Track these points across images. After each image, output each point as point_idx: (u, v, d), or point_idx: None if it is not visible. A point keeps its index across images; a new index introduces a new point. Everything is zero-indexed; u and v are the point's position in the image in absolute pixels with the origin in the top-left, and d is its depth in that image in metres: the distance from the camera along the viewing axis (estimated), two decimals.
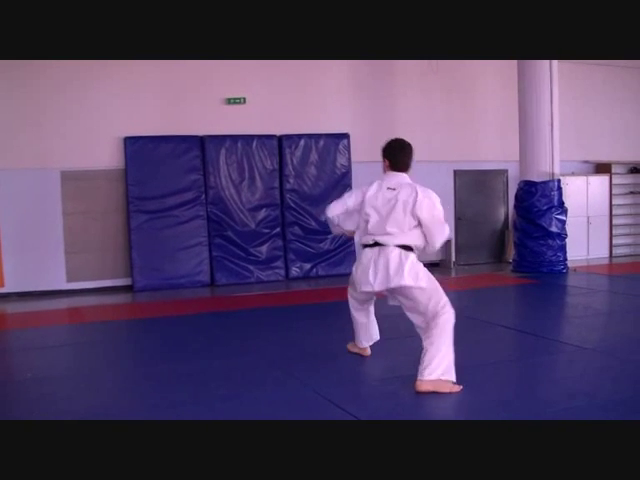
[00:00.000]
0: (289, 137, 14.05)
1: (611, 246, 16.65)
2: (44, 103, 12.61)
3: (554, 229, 13.16)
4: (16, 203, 12.48)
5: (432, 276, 6.06)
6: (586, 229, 16.04)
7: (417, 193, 6.01)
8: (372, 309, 6.69)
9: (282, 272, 13.82)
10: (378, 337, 6.79)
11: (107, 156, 13.11)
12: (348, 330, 7.98)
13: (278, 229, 13.96)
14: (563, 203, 13.35)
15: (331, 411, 5.05)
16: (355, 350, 6.87)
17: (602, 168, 16.86)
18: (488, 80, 15.77)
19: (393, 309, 9.14)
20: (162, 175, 13.19)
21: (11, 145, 12.41)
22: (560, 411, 4.87)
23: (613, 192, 16.63)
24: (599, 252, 16.21)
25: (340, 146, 14.39)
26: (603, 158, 16.98)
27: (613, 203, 16.65)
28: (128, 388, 6.14)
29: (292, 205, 14.06)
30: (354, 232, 6.26)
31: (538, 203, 13.16)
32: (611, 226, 16.61)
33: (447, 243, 15.22)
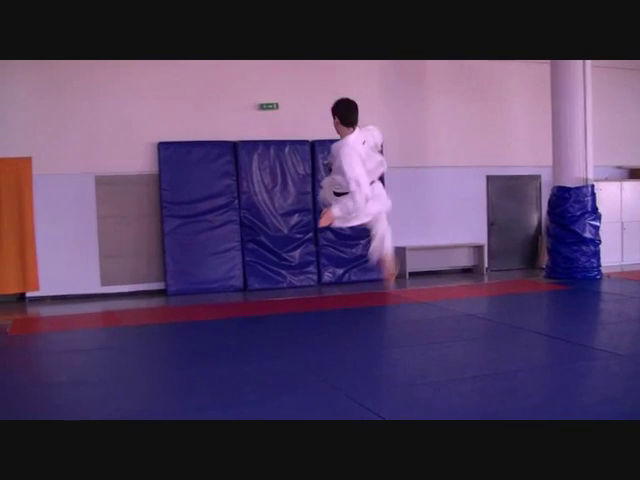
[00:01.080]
0: (321, 142, 14.06)
1: None
2: (79, 109, 12.74)
3: (588, 235, 13.06)
4: (51, 207, 12.63)
5: None
6: (620, 235, 15.89)
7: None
8: None
9: (314, 277, 13.84)
10: None
11: (141, 161, 13.21)
12: (381, 335, 8.01)
13: (310, 234, 13.98)
14: (597, 209, 13.25)
15: (363, 416, 5.05)
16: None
17: (636, 173, 16.73)
18: (520, 84, 15.71)
19: (424, 314, 9.13)
20: (195, 180, 13.27)
21: (46, 150, 12.55)
22: (594, 417, 4.83)
23: None
24: (633, 258, 16.02)
25: None
26: (637, 163, 16.84)
27: None
28: (161, 392, 6.18)
29: None
30: None
31: (571, 209, 13.07)
32: None
33: (479, 249, 15.23)
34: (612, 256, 15.20)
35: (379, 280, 13.92)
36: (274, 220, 13.74)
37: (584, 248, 13.09)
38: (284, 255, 13.62)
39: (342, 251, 14.12)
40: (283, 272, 13.66)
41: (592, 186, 13.15)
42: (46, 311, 11.76)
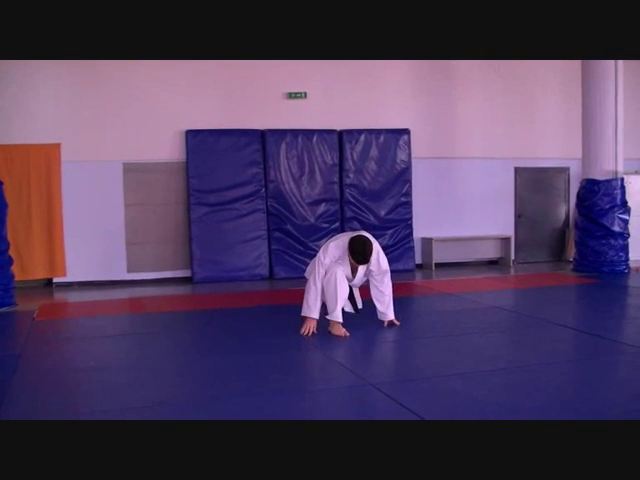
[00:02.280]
0: (349, 132, 14.06)
1: None
2: (108, 96, 12.82)
3: (616, 228, 12.97)
4: (79, 194, 12.72)
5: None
6: None
7: None
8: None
9: None
10: None
11: (168, 149, 13.26)
12: (407, 325, 7.98)
13: (337, 224, 13.98)
14: (626, 202, 13.14)
15: (389, 406, 5.04)
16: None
17: None
18: (549, 77, 15.59)
19: (451, 306, 9.13)
20: (223, 168, 13.31)
21: (75, 138, 12.63)
22: (624, 413, 4.79)
23: None
24: None
25: (400, 142, 14.35)
26: None
27: None
28: (189, 378, 6.19)
29: (351, 200, 14.07)
30: None
31: (600, 202, 12.98)
32: None
33: (506, 241, 15.16)
34: None
35: (406, 270, 13.96)
36: (301, 209, 13.74)
37: (612, 242, 13.00)
38: (310, 244, 13.60)
39: None
40: (309, 261, 13.60)
41: (622, 179, 13.05)
42: (73, 297, 11.84)
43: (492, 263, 15.55)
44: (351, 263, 7.63)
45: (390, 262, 13.92)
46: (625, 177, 13.35)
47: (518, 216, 15.73)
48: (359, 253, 7.48)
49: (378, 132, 14.22)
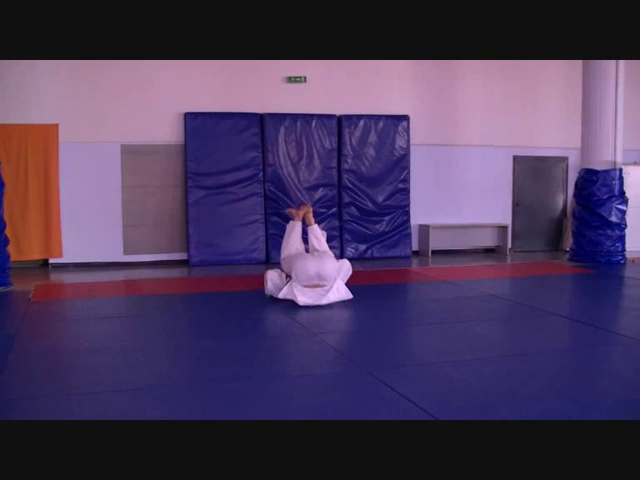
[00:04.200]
0: (348, 117, 14.03)
1: None
2: (107, 77, 12.77)
3: (614, 219, 12.97)
4: (76, 175, 12.70)
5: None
6: None
7: None
8: None
9: (337, 252, 13.78)
10: None
11: (167, 131, 13.23)
12: (403, 312, 7.99)
13: (334, 209, 13.97)
14: (624, 193, 13.14)
15: (384, 392, 5.04)
16: None
17: None
18: (550, 66, 15.53)
19: (447, 293, 9.15)
20: (221, 151, 13.29)
21: (73, 118, 12.60)
22: (617, 402, 4.81)
23: None
24: None
25: (399, 128, 14.33)
26: None
27: None
28: (183, 361, 6.20)
29: (349, 185, 14.05)
30: None
31: (598, 192, 12.98)
32: None
33: (503, 229, 15.16)
34: (637, 241, 15.05)
35: (402, 257, 13.97)
36: (298, 194, 13.72)
37: (609, 232, 13.00)
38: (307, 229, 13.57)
39: (365, 227, 14.10)
40: (306, 246, 13.63)
41: (620, 170, 13.04)
42: (69, 278, 11.83)
43: (489, 251, 15.55)
44: None
45: (387, 248, 14.18)
46: (624, 168, 13.34)
47: (516, 204, 15.72)
48: None
49: (377, 118, 14.19)
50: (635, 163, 15.77)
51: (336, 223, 13.96)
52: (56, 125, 12.47)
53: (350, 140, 14.04)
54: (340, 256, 13.71)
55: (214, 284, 10.79)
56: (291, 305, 8.17)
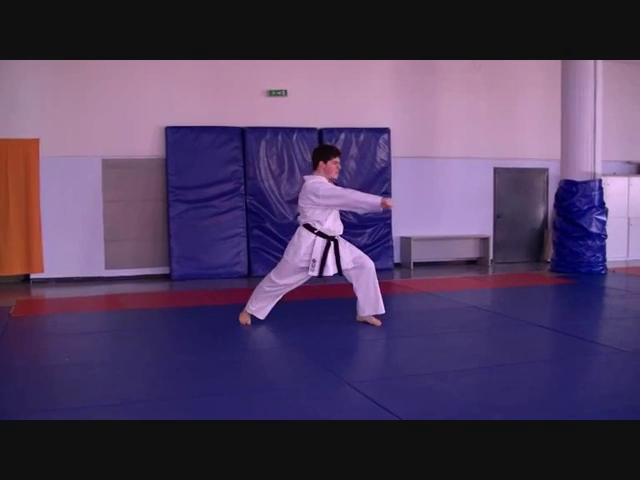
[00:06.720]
0: (329, 130, 14.06)
1: None
2: (87, 91, 12.75)
3: (594, 229, 13.05)
4: (57, 190, 12.65)
5: (295, 254, 8.44)
6: (626, 230, 15.83)
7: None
8: None
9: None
10: None
11: (148, 145, 13.22)
12: (384, 324, 7.99)
13: None
14: (604, 203, 13.22)
15: (365, 405, 5.05)
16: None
17: None
18: (530, 78, 15.63)
19: (429, 305, 9.17)
20: (202, 165, 13.28)
21: (54, 132, 12.56)
22: (596, 413, 4.83)
23: None
24: (639, 254, 15.98)
25: (380, 141, 14.38)
26: None
27: None
28: (164, 376, 6.17)
29: None
30: None
31: (578, 203, 13.05)
32: None
33: (485, 241, 15.21)
34: (618, 251, 15.16)
35: (384, 269, 13.98)
36: (280, 207, 13.73)
37: (590, 242, 13.07)
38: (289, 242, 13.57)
39: (347, 240, 14.07)
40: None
41: (600, 181, 13.12)
42: (50, 293, 11.78)
43: (471, 263, 15.60)
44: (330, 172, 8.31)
45: None
46: (603, 179, 13.43)
47: (497, 216, 15.79)
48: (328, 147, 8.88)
49: (358, 131, 14.23)
50: (615, 174, 15.89)
51: None
52: (37, 140, 12.42)
53: None
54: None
55: (196, 298, 10.77)
56: (273, 319, 8.15)
